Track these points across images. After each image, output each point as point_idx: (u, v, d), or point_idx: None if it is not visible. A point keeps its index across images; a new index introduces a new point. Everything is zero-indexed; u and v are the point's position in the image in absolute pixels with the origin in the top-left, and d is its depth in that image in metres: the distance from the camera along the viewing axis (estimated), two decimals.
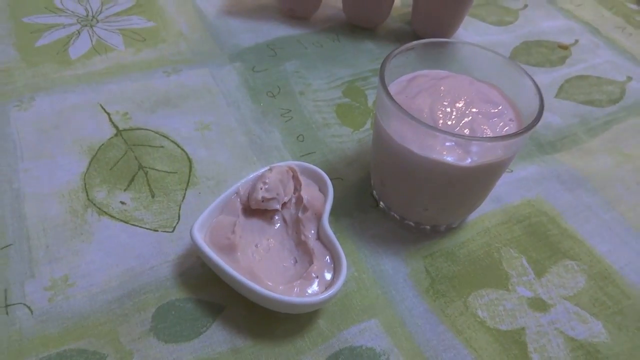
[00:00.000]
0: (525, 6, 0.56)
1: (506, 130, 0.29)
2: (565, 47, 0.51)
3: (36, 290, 0.28)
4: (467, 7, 0.47)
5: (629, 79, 0.48)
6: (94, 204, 0.33)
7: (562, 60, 0.49)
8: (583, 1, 0.58)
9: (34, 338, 0.26)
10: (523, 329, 0.30)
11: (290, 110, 0.41)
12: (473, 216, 0.35)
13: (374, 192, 0.35)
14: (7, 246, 0.30)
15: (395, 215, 0.34)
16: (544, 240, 0.34)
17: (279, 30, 0.48)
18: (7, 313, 0.27)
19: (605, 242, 0.34)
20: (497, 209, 0.36)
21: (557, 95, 0.46)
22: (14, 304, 0.28)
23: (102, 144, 0.37)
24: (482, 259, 0.33)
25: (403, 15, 0.52)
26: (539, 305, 0.31)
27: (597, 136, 0.42)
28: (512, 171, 0.38)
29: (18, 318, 0.27)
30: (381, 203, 0.34)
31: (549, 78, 0.47)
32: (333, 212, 0.33)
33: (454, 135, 0.27)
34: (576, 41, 0.52)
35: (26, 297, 0.28)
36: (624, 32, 0.54)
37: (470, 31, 0.51)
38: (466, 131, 0.28)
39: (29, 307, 0.28)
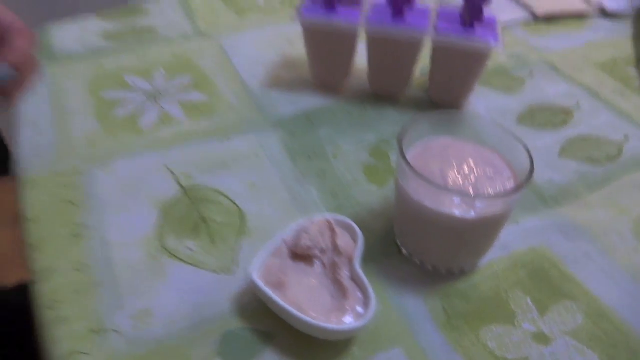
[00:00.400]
0: (531, 74, 0.63)
1: (504, 188, 0.35)
2: (567, 111, 0.57)
3: (125, 320, 0.35)
4: (477, 78, 0.54)
5: (626, 138, 0.54)
6: (167, 250, 0.40)
7: (564, 123, 0.56)
8: (585, 67, 0.65)
9: (124, 358, 0.33)
10: (527, 358, 0.35)
11: (325, 171, 0.48)
12: (484, 261, 0.41)
13: (397, 240, 0.41)
14: (100, 284, 0.37)
15: (416, 260, 0.40)
16: (546, 283, 0.39)
17: (313, 101, 0.57)
18: (102, 337, 0.34)
19: (601, 285, 0.39)
20: (505, 255, 0.41)
21: (560, 155, 0.52)
22: (107, 330, 0.34)
23: (170, 200, 0.44)
24: (492, 298, 0.38)
25: (421, 83, 0.60)
26: (541, 338, 0.36)
27: (596, 191, 0.48)
28: (518, 223, 0.44)
29: (111, 341, 0.34)
30: (403, 250, 0.41)
31: (552, 139, 0.53)
32: (363, 257, 0.39)
33: (459, 193, 0.33)
34: (578, 105, 0.58)
35: (117, 325, 0.35)
36: (623, 95, 0.60)
37: (481, 98, 0.58)
38: (470, 189, 0.35)
39: (119, 333, 0.34)
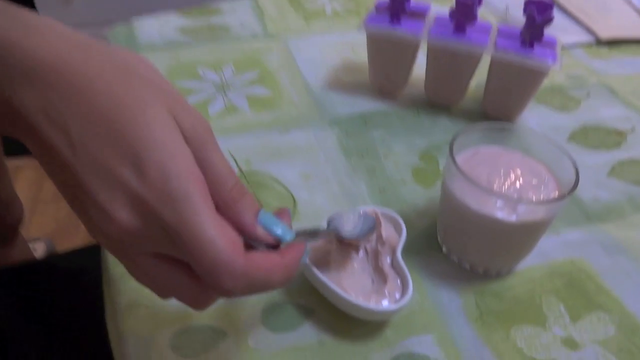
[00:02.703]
0: (588, 95, 0.64)
1: (547, 197, 0.37)
2: (621, 134, 0.58)
3: None
4: (532, 95, 0.55)
5: None
6: None
7: (617, 145, 0.56)
8: None
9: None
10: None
11: (375, 168, 0.51)
12: (521, 267, 0.42)
13: (439, 238, 0.44)
14: None
15: (454, 258, 0.42)
16: (581, 293, 0.41)
17: (370, 104, 0.60)
18: None
19: (637, 302, 0.40)
20: (543, 263, 0.43)
21: (609, 175, 0.52)
22: None
23: None
24: (525, 301, 0.40)
25: (476, 96, 0.62)
26: (571, 344, 0.37)
27: None
28: (559, 234, 0.45)
29: None
30: (444, 247, 0.43)
31: (602, 159, 0.54)
32: (405, 251, 0.41)
33: (502, 196, 0.35)
34: (633, 128, 0.59)
35: None
36: None
37: (534, 114, 0.59)
38: (514, 195, 0.37)
39: None
